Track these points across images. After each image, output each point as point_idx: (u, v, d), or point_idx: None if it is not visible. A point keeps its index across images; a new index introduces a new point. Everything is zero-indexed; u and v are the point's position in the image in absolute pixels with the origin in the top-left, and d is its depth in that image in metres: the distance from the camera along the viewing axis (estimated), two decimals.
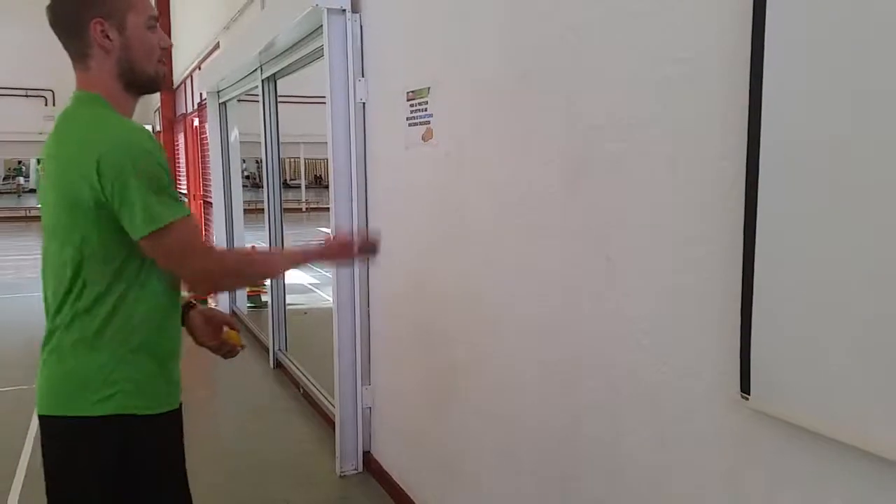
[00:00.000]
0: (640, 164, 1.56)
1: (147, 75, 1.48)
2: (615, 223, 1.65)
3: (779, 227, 1.20)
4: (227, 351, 1.71)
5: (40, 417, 1.45)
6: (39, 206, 1.48)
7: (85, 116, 1.42)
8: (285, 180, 25.06)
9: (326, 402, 3.96)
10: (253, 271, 1.63)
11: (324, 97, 3.12)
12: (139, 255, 1.41)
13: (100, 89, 1.43)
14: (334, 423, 3.38)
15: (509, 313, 2.12)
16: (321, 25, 3.11)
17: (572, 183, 1.78)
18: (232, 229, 6.92)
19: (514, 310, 2.09)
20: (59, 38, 1.44)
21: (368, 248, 1.72)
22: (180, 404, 1.57)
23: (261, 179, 5.65)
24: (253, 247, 1.56)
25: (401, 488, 3.01)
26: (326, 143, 3.16)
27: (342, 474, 3.32)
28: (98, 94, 1.43)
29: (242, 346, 1.72)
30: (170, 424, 1.54)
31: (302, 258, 1.64)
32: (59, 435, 1.43)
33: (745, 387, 1.29)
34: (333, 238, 1.71)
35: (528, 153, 1.96)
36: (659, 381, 1.55)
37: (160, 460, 1.52)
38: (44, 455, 1.46)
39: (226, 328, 1.70)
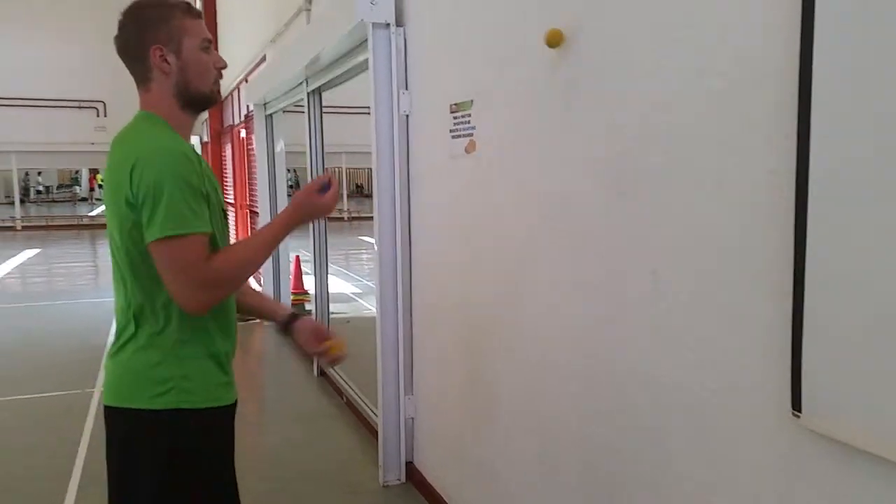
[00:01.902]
0: (685, 176, 1.55)
1: (202, 94, 1.59)
2: (660, 236, 1.64)
3: (831, 240, 1.18)
4: (333, 359, 1.81)
5: (104, 407, 1.58)
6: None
7: (133, 132, 1.54)
8: None
9: (369, 411, 4.00)
10: (250, 269, 1.57)
11: (365, 107, 3.17)
12: None
13: (159, 109, 1.56)
14: (377, 432, 3.41)
15: (551, 326, 2.11)
16: (366, 40, 3.16)
17: (616, 196, 1.78)
18: None
19: (556, 322, 2.09)
20: (125, 64, 1.57)
21: (324, 186, 1.64)
22: (235, 401, 1.66)
23: (300, 188, 5.74)
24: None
25: (443, 500, 3.02)
26: (368, 153, 3.21)
27: (385, 484, 3.34)
28: (156, 113, 1.56)
29: (345, 355, 1.81)
30: (223, 419, 1.63)
31: (280, 228, 1.61)
32: (119, 424, 1.56)
33: (797, 404, 1.26)
34: (296, 197, 1.64)
35: (572, 165, 1.96)
36: (706, 397, 1.53)
37: (212, 452, 1.61)
38: (106, 442, 1.59)
39: (332, 338, 1.79)
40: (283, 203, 7.11)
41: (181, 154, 1.46)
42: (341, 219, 20.33)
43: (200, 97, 1.59)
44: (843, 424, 1.19)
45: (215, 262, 1.48)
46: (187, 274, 1.43)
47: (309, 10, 4.84)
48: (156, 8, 1.54)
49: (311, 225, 5.32)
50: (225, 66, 1.64)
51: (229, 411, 1.64)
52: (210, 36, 1.60)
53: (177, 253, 1.42)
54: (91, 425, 4.13)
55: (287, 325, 1.81)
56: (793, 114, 1.22)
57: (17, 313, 7.82)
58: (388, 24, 3.08)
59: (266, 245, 1.60)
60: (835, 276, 1.18)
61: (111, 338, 1.61)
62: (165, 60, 1.53)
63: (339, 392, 4.70)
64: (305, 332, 1.80)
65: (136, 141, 1.50)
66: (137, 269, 1.49)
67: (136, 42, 1.54)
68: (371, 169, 3.23)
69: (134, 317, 1.52)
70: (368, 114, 3.18)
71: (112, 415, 1.56)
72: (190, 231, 1.42)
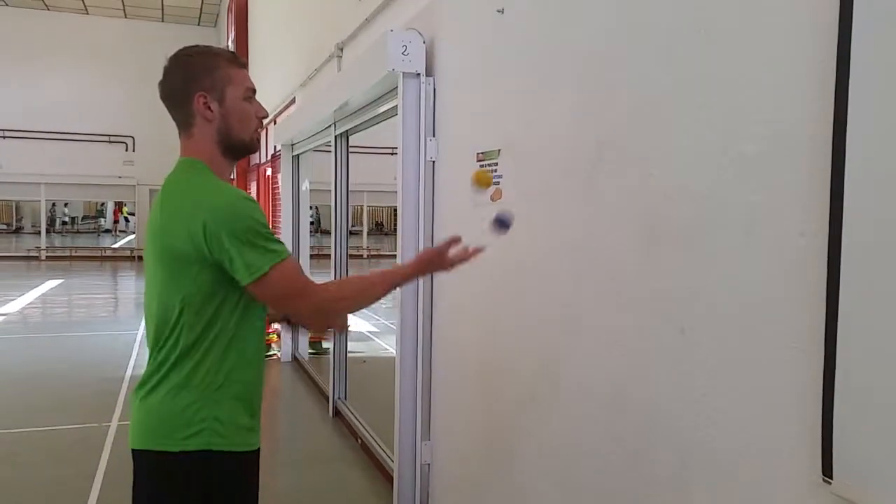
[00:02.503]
0: (714, 234, 1.55)
1: (243, 141, 1.63)
2: (689, 293, 1.63)
3: (863, 303, 1.18)
4: None
5: (132, 451, 1.56)
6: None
7: (188, 180, 1.56)
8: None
9: (385, 455, 3.96)
10: (362, 298, 1.68)
11: (386, 148, 3.23)
12: (230, 307, 1.53)
13: (201, 155, 1.59)
14: (392, 477, 3.37)
15: (575, 375, 2.10)
16: (395, 87, 3.23)
17: (644, 251, 1.78)
18: None
19: (580, 372, 2.07)
20: (168, 109, 1.61)
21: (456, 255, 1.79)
22: (259, 447, 1.66)
23: (321, 225, 5.75)
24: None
25: None
26: (387, 191, 3.26)
27: None
28: (199, 159, 1.58)
29: None
30: (251, 463, 1.63)
31: (402, 277, 1.77)
32: (147, 468, 1.54)
33: (828, 470, 1.24)
34: (426, 253, 1.80)
35: (599, 218, 1.97)
36: (733, 459, 1.50)
37: (241, 497, 1.61)
38: (133, 486, 1.57)
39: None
40: (305, 239, 7.19)
41: (245, 198, 1.53)
42: (360, 256, 20.39)
43: (241, 144, 1.62)
44: (877, 493, 1.17)
45: (318, 284, 1.59)
46: (298, 292, 1.53)
47: (340, 56, 4.96)
48: (202, 56, 1.58)
49: (331, 264, 5.37)
50: (266, 116, 1.67)
51: (255, 457, 1.64)
52: (254, 86, 1.64)
53: (281, 280, 1.49)
54: (106, 460, 4.12)
55: None
56: (825, 176, 1.23)
57: (36, 343, 7.86)
58: (418, 74, 3.15)
59: (387, 283, 1.70)
60: (868, 337, 1.17)
61: (129, 371, 1.63)
62: (209, 108, 1.56)
63: (353, 433, 4.67)
64: None
65: (195, 193, 1.52)
66: (187, 312, 1.49)
67: (180, 89, 1.57)
68: (390, 207, 3.28)
69: (168, 358, 1.52)
70: (390, 154, 3.24)
71: (141, 458, 1.54)
72: (277, 260, 1.48)
